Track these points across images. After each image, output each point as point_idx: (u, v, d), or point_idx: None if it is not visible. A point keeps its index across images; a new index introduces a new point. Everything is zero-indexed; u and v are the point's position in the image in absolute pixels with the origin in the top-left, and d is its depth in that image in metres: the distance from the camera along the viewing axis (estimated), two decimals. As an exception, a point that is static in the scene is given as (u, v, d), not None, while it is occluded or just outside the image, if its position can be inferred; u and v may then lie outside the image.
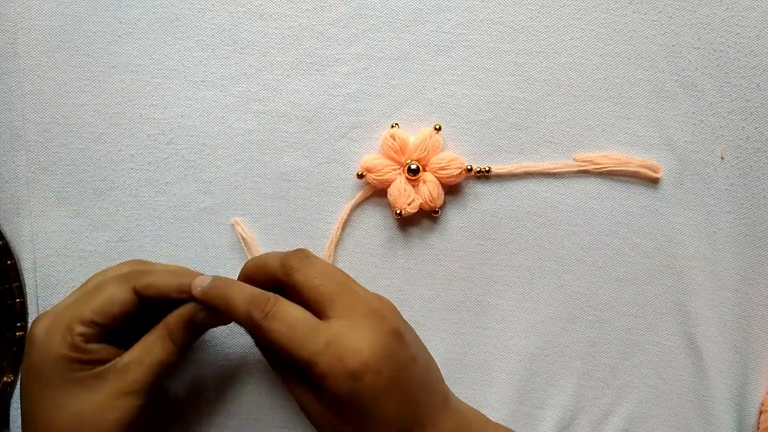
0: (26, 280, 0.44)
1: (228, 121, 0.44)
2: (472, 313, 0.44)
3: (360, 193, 0.44)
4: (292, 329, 0.34)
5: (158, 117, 0.44)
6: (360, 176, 0.44)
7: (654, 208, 0.45)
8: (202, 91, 0.44)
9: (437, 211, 0.44)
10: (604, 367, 0.44)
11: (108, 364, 0.36)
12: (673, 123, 0.45)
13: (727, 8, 0.45)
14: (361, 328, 0.35)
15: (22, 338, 0.43)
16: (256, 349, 0.43)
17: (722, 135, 0.45)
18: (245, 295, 0.36)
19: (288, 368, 0.37)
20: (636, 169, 0.44)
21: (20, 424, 0.37)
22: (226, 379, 0.43)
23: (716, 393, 0.44)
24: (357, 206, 0.44)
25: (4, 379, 0.43)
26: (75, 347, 0.35)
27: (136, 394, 0.36)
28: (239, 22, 0.44)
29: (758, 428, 0.44)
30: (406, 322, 0.38)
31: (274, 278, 0.37)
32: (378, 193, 0.45)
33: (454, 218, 0.45)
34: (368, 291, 0.38)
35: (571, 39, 0.45)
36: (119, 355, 0.37)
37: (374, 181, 0.44)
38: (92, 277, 0.39)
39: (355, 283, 0.38)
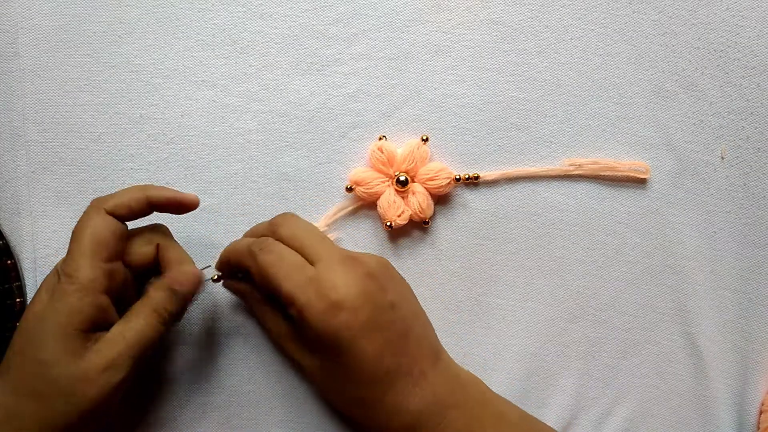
0: (26, 280, 0.44)
1: (228, 121, 0.44)
2: (472, 313, 0.44)
3: (339, 204, 0.44)
4: (282, 261, 0.38)
5: (158, 117, 0.44)
6: (349, 189, 0.44)
7: (654, 208, 0.45)
8: (202, 91, 0.44)
9: (427, 222, 0.44)
10: (604, 367, 0.44)
11: (100, 334, 0.36)
12: (673, 123, 0.45)
13: (727, 8, 0.45)
14: (339, 270, 0.37)
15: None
16: (256, 349, 0.43)
17: (722, 135, 0.45)
18: (248, 240, 0.40)
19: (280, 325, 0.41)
20: (626, 172, 0.44)
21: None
22: (227, 378, 0.43)
23: (716, 393, 0.44)
24: (345, 216, 0.44)
25: (4, 379, 0.43)
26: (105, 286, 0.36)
27: (117, 369, 0.35)
28: (239, 22, 0.44)
29: (758, 428, 0.44)
30: (395, 276, 0.40)
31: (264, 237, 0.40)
32: (368, 205, 0.45)
33: (454, 219, 0.45)
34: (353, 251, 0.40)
35: (571, 39, 0.45)
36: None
37: (363, 194, 0.44)
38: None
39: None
